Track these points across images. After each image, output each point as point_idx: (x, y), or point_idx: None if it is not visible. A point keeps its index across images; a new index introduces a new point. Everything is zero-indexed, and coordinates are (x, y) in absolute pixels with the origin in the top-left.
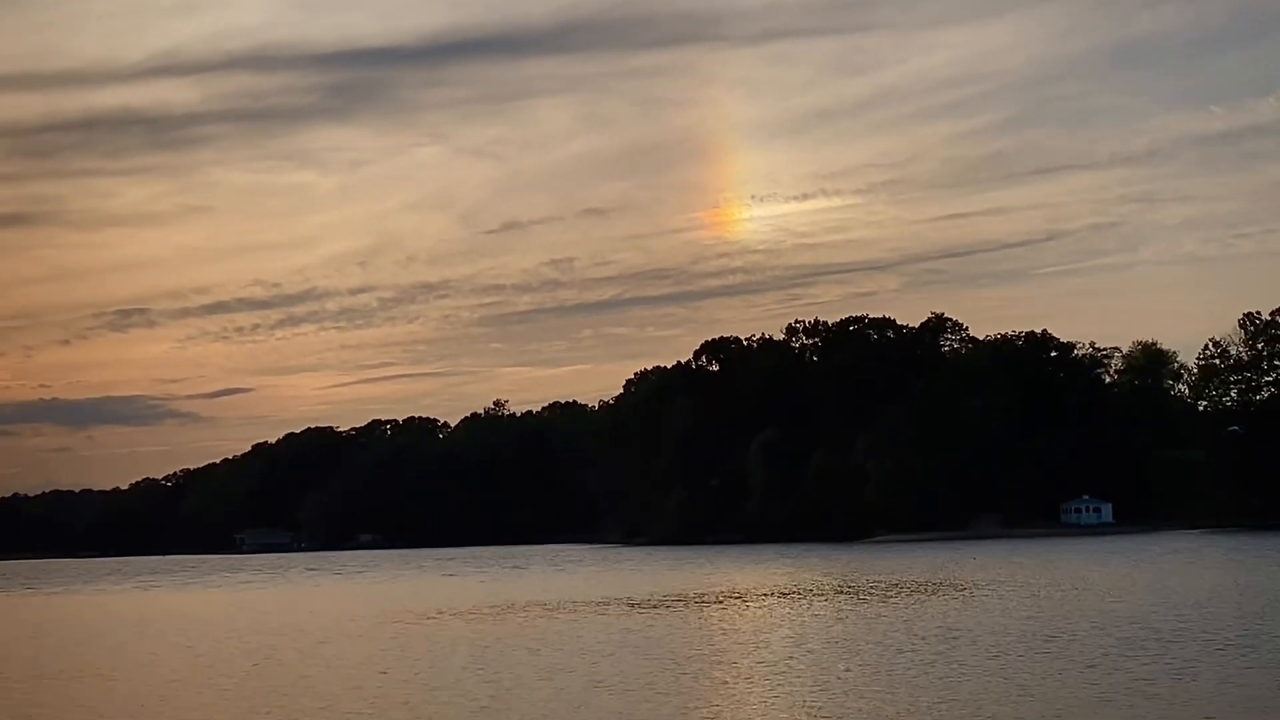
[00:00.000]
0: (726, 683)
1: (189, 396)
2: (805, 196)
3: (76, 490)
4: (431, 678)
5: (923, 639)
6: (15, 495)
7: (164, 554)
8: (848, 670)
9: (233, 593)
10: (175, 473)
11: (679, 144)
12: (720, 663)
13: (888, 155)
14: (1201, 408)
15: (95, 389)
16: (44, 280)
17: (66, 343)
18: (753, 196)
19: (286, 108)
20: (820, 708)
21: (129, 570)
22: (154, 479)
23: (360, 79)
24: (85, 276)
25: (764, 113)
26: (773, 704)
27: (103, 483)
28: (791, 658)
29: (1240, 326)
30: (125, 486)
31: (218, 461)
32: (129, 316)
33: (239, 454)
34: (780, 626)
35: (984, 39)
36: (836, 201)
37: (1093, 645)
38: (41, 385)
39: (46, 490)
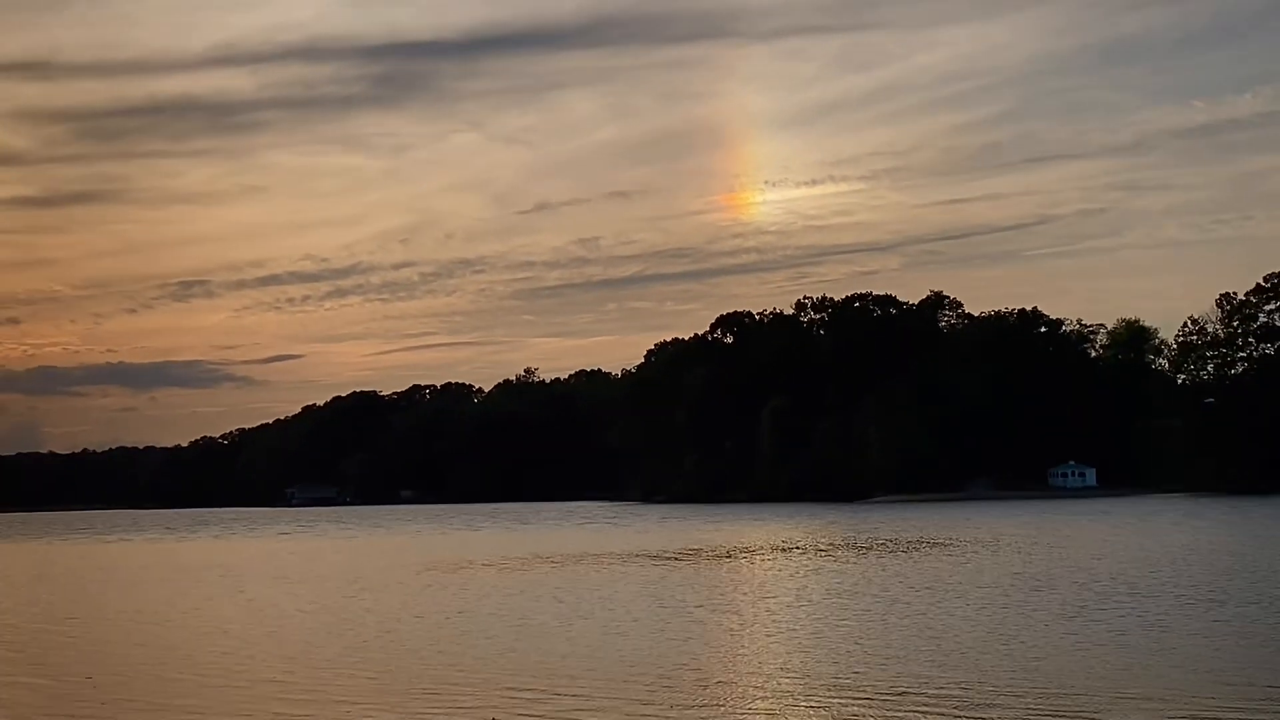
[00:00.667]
0: (733, 629)
1: (244, 362)
2: (814, 182)
3: (140, 447)
4: (462, 622)
5: (915, 591)
6: (85, 451)
7: (220, 506)
8: (845, 619)
9: (281, 542)
10: (231, 432)
11: (697, 133)
12: (728, 611)
13: (891, 145)
14: (1180, 381)
15: (158, 354)
16: (112, 253)
17: (133, 311)
18: (765, 182)
19: (336, 96)
20: (819, 652)
21: (188, 521)
22: (212, 437)
23: (404, 70)
24: (150, 250)
25: (776, 104)
26: (774, 649)
27: (164, 440)
28: (793, 607)
29: (1217, 306)
30: (185, 444)
31: (270, 422)
32: (190, 288)
33: (290, 415)
34: (784, 579)
35: (982, 37)
36: (843, 187)
37: (1073, 598)
38: (109, 350)
39: (113, 447)
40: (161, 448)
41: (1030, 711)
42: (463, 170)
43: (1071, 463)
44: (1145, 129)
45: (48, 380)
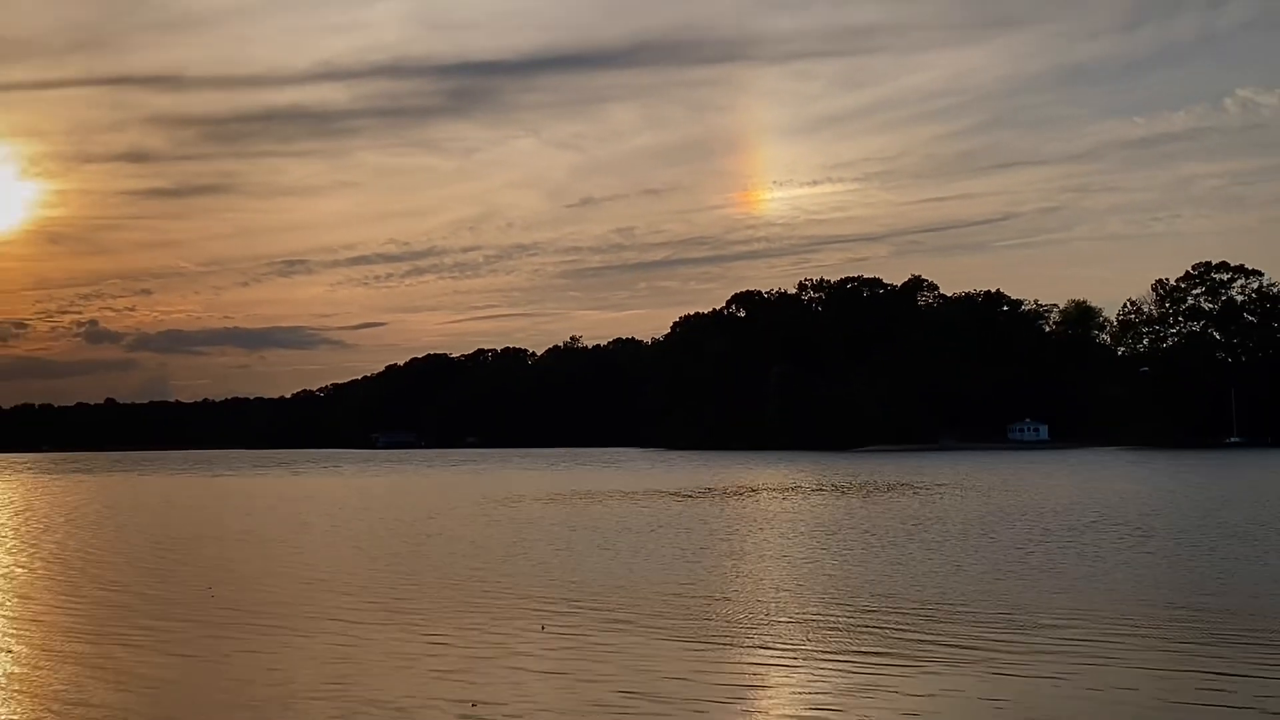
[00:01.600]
0: (737, 554)
1: (337, 328)
2: (815, 183)
3: (251, 398)
4: (512, 547)
5: (890, 524)
6: (205, 400)
7: (317, 448)
8: (830, 546)
9: (368, 478)
10: (326, 386)
11: (718, 140)
12: (734, 538)
13: (881, 152)
14: (1120, 352)
15: (266, 320)
16: (230, 236)
17: (245, 285)
18: (774, 182)
19: (416, 107)
20: (807, 573)
21: (290, 460)
22: (310, 390)
23: (473, 85)
24: (260, 234)
25: (784, 117)
26: (769, 570)
27: (271, 393)
28: (788, 535)
29: (1152, 290)
30: (288, 396)
31: (359, 378)
32: (292, 265)
33: (375, 373)
34: (783, 512)
35: (959, 62)
36: (840, 187)
37: (1021, 533)
38: (226, 317)
39: (228, 398)
40: (268, 399)
41: (982, 623)
42: (521, 170)
43: (1027, 420)
44: (1095, 140)
45: (175, 341)
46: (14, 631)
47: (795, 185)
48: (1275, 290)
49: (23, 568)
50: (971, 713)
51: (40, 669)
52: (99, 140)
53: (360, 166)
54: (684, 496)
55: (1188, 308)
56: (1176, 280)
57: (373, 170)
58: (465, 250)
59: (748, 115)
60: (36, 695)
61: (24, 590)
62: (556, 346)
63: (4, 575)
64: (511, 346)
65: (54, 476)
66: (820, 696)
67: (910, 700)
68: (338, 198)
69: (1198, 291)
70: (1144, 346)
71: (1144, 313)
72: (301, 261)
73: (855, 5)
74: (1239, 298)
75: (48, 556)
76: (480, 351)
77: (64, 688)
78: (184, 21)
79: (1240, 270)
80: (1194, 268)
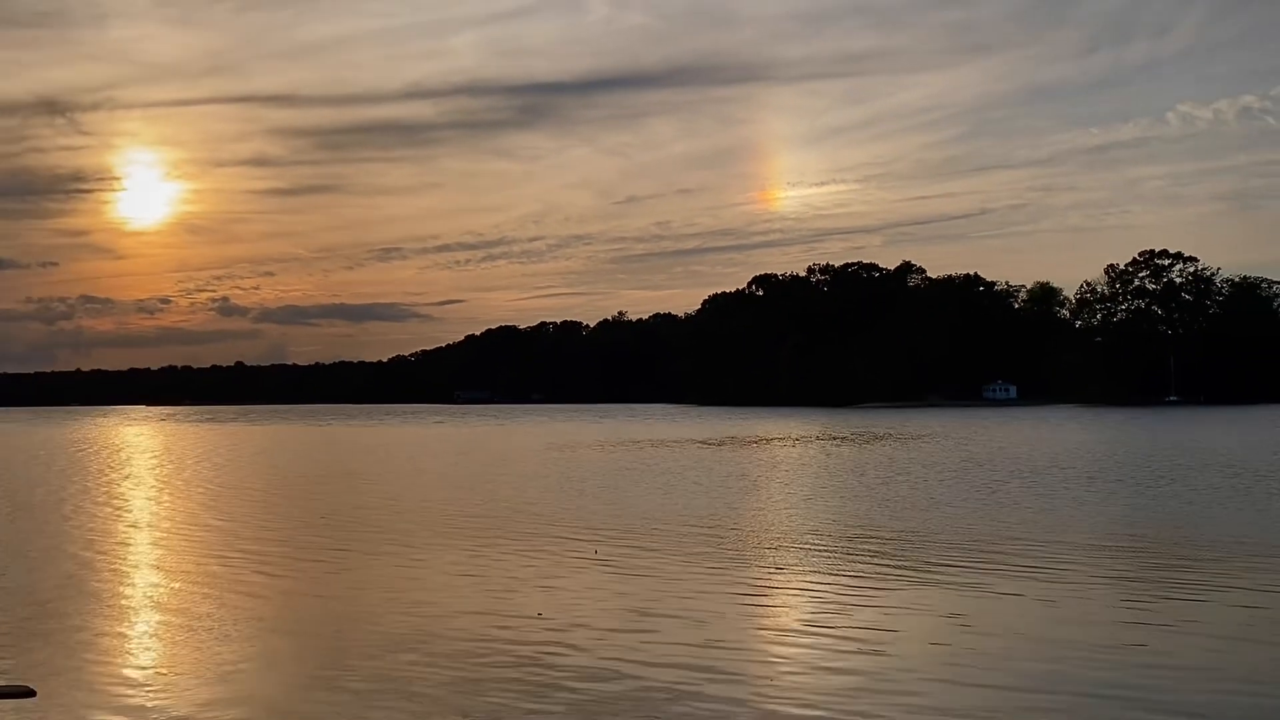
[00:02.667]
0: (752, 491)
1: (425, 304)
2: (822, 183)
3: (355, 362)
4: (567, 483)
5: (879, 467)
6: (317, 364)
7: (408, 404)
8: (828, 485)
9: (452, 428)
10: (416, 352)
11: (741, 147)
12: (750, 478)
13: (877, 157)
14: (1078, 325)
15: (367, 298)
16: (337, 228)
17: (350, 268)
18: (788, 183)
19: (491, 120)
20: (808, 507)
21: (387, 414)
22: (403, 355)
23: (538, 102)
24: (362, 227)
25: (797, 129)
26: (777, 506)
27: (370, 358)
28: (795, 477)
29: (1105, 273)
30: (385, 360)
31: (443, 346)
32: (389, 253)
33: (455, 341)
34: (792, 458)
35: (943, 81)
36: (843, 187)
37: (988, 475)
38: (334, 295)
39: (336, 361)
40: (369, 362)
41: (952, 547)
42: (577, 173)
43: (999, 382)
44: (1056, 148)
45: (292, 315)
46: (164, 549)
47: (805, 186)
48: (1207, 274)
49: (172, 496)
50: (940, 623)
51: (183, 583)
52: (228, 148)
53: (444, 170)
54: (710, 444)
55: (1134, 288)
56: (1125, 265)
57: (454, 173)
58: (530, 240)
59: (766, 127)
60: (179, 609)
61: (175, 512)
62: (606, 320)
63: (158, 503)
64: (569, 320)
65: (193, 425)
66: (817, 609)
67: (889, 614)
68: (425, 196)
69: (1143, 275)
70: (1097, 320)
71: (1098, 292)
72: (396, 249)
73: (856, 35)
74: (1178, 280)
75: (190, 488)
76: (543, 324)
77: (203, 600)
78: (299, 50)
79: (1179, 257)
80: (1140, 255)
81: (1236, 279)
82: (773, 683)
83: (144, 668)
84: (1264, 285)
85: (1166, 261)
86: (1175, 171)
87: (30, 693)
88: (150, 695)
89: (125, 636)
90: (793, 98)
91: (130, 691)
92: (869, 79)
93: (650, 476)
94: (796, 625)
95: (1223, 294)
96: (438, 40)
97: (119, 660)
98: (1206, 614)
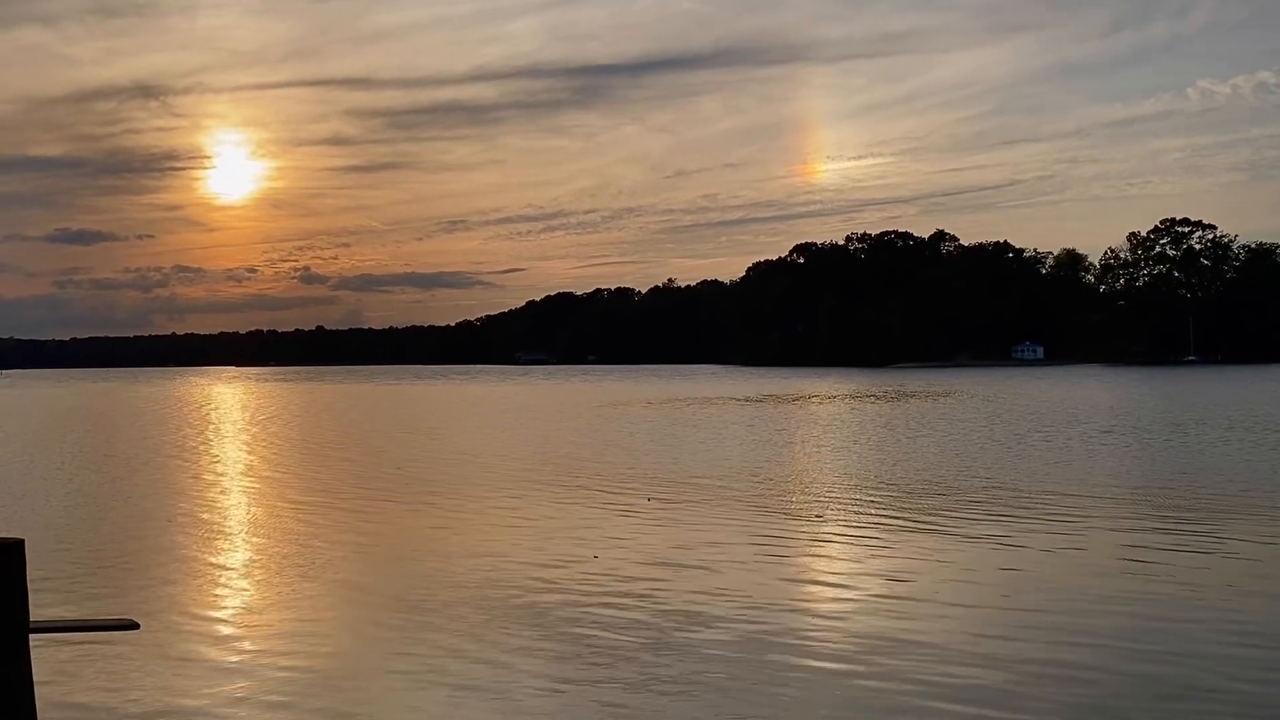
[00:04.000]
0: (792, 444)
1: (490, 272)
2: (860, 157)
3: (425, 326)
4: (617, 437)
5: (910, 422)
6: (390, 328)
7: (473, 364)
8: (860, 439)
9: (514, 386)
10: (481, 317)
11: (784, 124)
12: (786, 430)
13: (913, 132)
14: (1101, 289)
15: (435, 266)
16: (407, 202)
17: (420, 239)
18: (828, 157)
19: (550, 100)
20: (845, 458)
21: (456, 373)
22: (469, 320)
23: (593, 83)
24: (430, 200)
25: (836, 105)
26: (816, 457)
27: (439, 322)
28: (831, 431)
29: (1127, 240)
30: (453, 324)
31: (505, 311)
32: (455, 224)
33: (517, 307)
34: (829, 414)
35: (975, 59)
36: (880, 160)
37: (1014, 428)
38: (406, 264)
39: (407, 325)
40: (438, 326)
41: (974, 493)
42: (630, 148)
43: (1027, 342)
44: (1082, 122)
45: (367, 282)
46: (252, 494)
47: (844, 159)
48: (1225, 241)
49: (259, 446)
50: (963, 566)
51: (268, 526)
52: (308, 129)
53: (506, 148)
54: (754, 402)
55: (1155, 254)
56: (1147, 233)
57: (515, 150)
58: (586, 212)
59: (807, 104)
60: (265, 548)
61: (262, 461)
62: (657, 286)
63: (247, 452)
64: (622, 286)
65: (278, 384)
66: (847, 554)
67: (915, 561)
68: (488, 172)
69: (1164, 241)
70: (1120, 285)
71: (1121, 258)
72: (461, 221)
73: (891, 16)
74: (1196, 246)
75: (275, 439)
76: (598, 290)
77: (287, 541)
78: (372, 37)
79: (1198, 225)
80: (1161, 222)
81: (1252, 245)
82: (808, 622)
83: (235, 603)
84: (1278, 251)
85: (1186, 229)
86: (1194, 144)
87: (134, 625)
88: (241, 627)
89: (218, 574)
90: (832, 76)
91: (223, 624)
92: (904, 58)
93: (697, 431)
94: (828, 572)
95: (1239, 260)
96: (499, 26)
97: (213, 595)
98: (1214, 563)
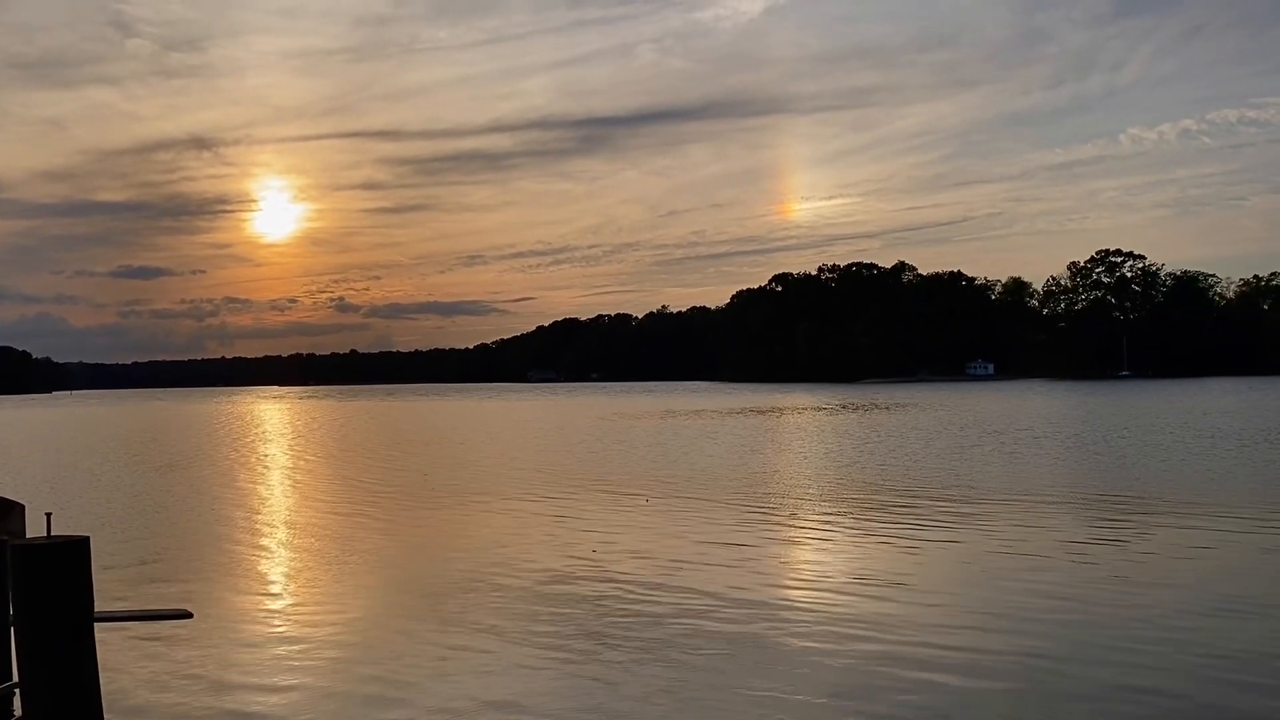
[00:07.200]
0: (775, 450)
1: (504, 301)
2: (831, 197)
3: (446, 349)
4: (618, 446)
5: (877, 431)
6: (416, 351)
7: (489, 382)
8: (835, 446)
9: (524, 401)
10: (497, 340)
11: (765, 168)
12: (773, 440)
13: (877, 175)
14: (1045, 312)
15: (456, 296)
16: (431, 239)
17: (442, 272)
18: (803, 197)
19: (558, 149)
20: (822, 460)
21: (474, 391)
22: (486, 343)
23: (597, 133)
24: (452, 238)
25: (810, 152)
26: (797, 461)
27: (459, 345)
28: (809, 438)
29: (1068, 269)
30: (471, 348)
31: (518, 335)
32: (474, 259)
33: (528, 331)
34: (806, 424)
35: (933, 110)
36: (848, 200)
37: (970, 434)
38: (429, 294)
39: (431, 349)
40: (458, 349)
41: (934, 488)
42: (629, 191)
43: (980, 361)
44: (1027, 165)
45: (395, 311)
46: (297, 497)
47: (816, 199)
48: (1154, 269)
49: (301, 454)
50: (927, 556)
51: (311, 525)
52: (344, 175)
53: (519, 191)
54: (739, 414)
55: (1092, 281)
56: (1085, 262)
57: (527, 193)
58: (590, 247)
59: (785, 151)
60: (308, 546)
61: (304, 467)
62: (652, 312)
63: (290, 459)
64: (621, 313)
65: (316, 401)
66: (824, 548)
67: (881, 554)
68: (504, 212)
69: (1100, 270)
70: (1061, 309)
71: (1062, 285)
72: (479, 256)
73: (859, 73)
74: (1129, 274)
75: (316, 449)
76: (600, 316)
77: (328, 540)
78: (401, 94)
79: (1130, 255)
80: (1097, 253)
81: (1178, 273)
82: (791, 610)
83: (279, 594)
84: (1201, 278)
85: (1119, 259)
86: (1126, 184)
87: (187, 615)
88: (285, 617)
89: (266, 569)
90: (807, 126)
91: (269, 613)
92: (870, 110)
93: (689, 439)
94: (803, 564)
95: (1166, 286)
96: (514, 84)
97: (261, 589)
98: (1141, 554)
